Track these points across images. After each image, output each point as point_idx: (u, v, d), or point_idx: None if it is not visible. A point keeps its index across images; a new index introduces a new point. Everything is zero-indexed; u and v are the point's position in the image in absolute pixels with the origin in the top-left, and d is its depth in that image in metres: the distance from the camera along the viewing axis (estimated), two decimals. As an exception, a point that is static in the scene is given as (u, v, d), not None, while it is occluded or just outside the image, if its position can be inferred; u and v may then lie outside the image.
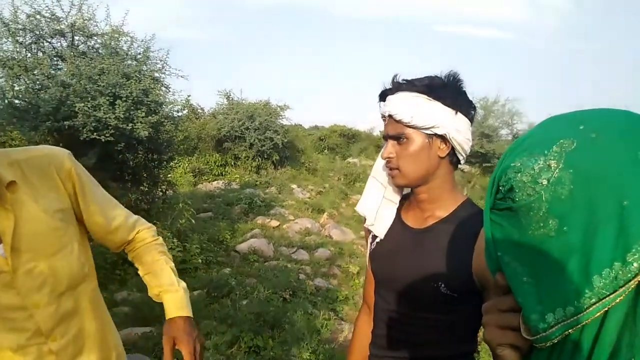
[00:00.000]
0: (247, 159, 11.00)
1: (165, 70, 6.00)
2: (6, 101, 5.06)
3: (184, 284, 1.22)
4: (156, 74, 5.74)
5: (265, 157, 11.24)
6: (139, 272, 1.25)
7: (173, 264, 1.25)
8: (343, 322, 4.13)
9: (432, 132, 1.08)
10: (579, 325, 0.46)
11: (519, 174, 0.49)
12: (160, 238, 1.28)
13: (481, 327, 1.13)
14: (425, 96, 1.07)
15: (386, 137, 1.15)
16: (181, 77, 6.26)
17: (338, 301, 4.58)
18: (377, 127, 19.31)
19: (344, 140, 16.59)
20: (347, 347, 3.70)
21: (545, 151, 0.48)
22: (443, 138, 1.09)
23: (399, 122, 1.09)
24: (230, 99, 12.00)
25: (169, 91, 6.03)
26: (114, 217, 1.19)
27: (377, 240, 1.24)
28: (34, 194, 1.03)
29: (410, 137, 1.09)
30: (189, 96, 6.66)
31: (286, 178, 10.75)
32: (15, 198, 0.99)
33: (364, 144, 17.34)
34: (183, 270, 4.58)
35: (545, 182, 0.47)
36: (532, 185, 0.48)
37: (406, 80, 1.11)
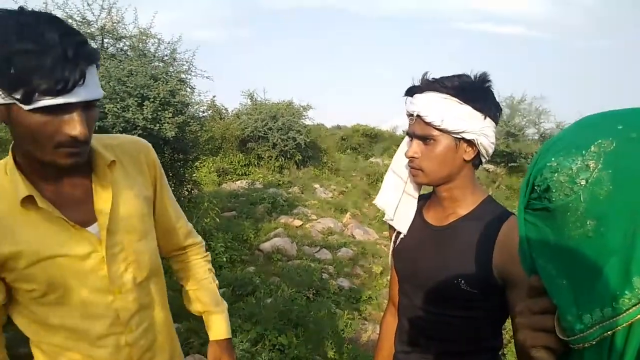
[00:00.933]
0: (270, 159, 11.07)
1: (191, 71, 6.10)
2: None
3: (225, 303, 1.27)
4: (182, 75, 5.84)
5: (288, 156, 11.30)
6: (185, 284, 1.26)
7: (217, 281, 1.29)
8: (366, 322, 4.13)
9: (460, 137, 1.08)
10: (618, 328, 0.45)
11: (556, 174, 0.49)
12: (209, 254, 1.31)
13: (505, 321, 1.13)
14: (457, 99, 1.06)
15: (411, 135, 1.14)
16: (206, 77, 6.36)
17: (361, 301, 4.58)
18: (400, 127, 19.16)
19: (367, 140, 16.52)
20: (370, 346, 3.71)
21: (583, 151, 0.48)
22: (470, 142, 1.09)
23: (428, 123, 1.08)
24: (254, 99, 12.11)
25: (195, 92, 6.13)
26: (178, 216, 1.21)
27: (401, 236, 1.25)
28: (128, 178, 1.05)
29: (438, 139, 1.09)
30: (214, 97, 6.77)
31: (309, 178, 10.78)
32: (113, 179, 1.00)
33: (387, 143, 17.23)
34: (208, 268, 4.65)
35: (583, 182, 0.47)
36: (569, 186, 0.48)
37: (437, 80, 1.09)
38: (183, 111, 5.57)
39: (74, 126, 0.82)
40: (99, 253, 0.96)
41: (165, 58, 6.02)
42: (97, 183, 0.98)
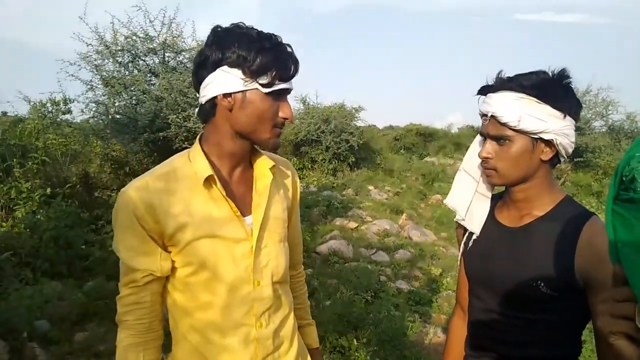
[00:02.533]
0: (324, 162, 11.16)
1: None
2: (109, 117, 5.60)
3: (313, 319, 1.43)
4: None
5: (342, 159, 11.34)
6: (294, 300, 1.34)
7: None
8: (427, 325, 4.07)
9: (537, 137, 1.05)
10: None
11: None
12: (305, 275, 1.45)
13: (584, 328, 1.09)
14: (535, 99, 1.03)
15: (485, 135, 1.11)
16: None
17: (421, 303, 4.52)
18: (455, 125, 18.65)
19: (421, 140, 16.26)
20: (432, 350, 3.65)
21: None
22: (548, 142, 1.06)
23: (503, 124, 1.05)
24: (307, 103, 12.27)
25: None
26: (299, 235, 1.36)
27: (474, 237, 1.23)
28: (279, 185, 1.20)
29: (513, 139, 1.06)
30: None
31: (362, 179, 10.76)
32: (272, 182, 1.14)
33: (442, 142, 16.86)
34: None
35: None
36: None
37: (512, 78, 1.06)
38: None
39: (287, 109, 1.07)
40: (249, 242, 1.07)
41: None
42: (258, 180, 1.13)
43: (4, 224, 4.66)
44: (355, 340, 3.41)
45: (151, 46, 6.15)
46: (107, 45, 5.91)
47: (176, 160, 1.08)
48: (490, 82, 1.10)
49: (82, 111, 6.01)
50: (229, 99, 1.01)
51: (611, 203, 0.54)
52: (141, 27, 6.18)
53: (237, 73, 0.99)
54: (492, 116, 1.07)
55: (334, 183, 10.12)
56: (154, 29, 6.25)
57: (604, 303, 0.56)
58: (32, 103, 6.15)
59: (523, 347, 1.12)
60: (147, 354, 1.06)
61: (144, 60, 6.32)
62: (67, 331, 3.38)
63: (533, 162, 1.08)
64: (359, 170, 11.55)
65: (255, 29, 1.03)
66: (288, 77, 1.03)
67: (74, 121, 6.56)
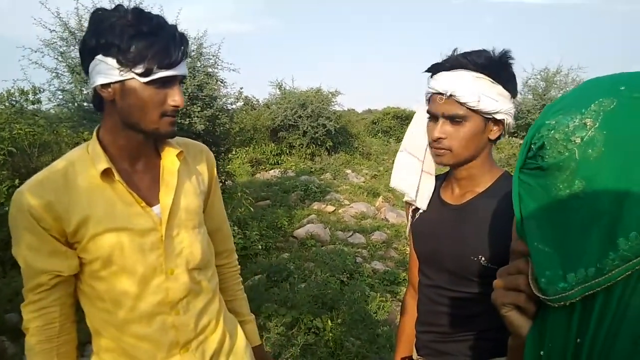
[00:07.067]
0: (302, 147, 11.14)
1: (218, 65, 6.19)
2: (76, 104, 5.46)
3: (252, 314, 1.38)
4: (209, 69, 5.94)
5: (319, 143, 11.33)
6: (223, 294, 1.31)
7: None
8: (400, 304, 4.14)
9: (491, 117, 1.06)
10: (600, 288, 0.46)
11: (552, 131, 0.48)
12: (239, 267, 1.39)
13: None
14: (489, 78, 1.04)
15: (436, 115, 1.10)
16: (233, 70, 6.44)
17: (396, 283, 4.59)
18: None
19: (398, 123, 16.30)
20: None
21: (583, 109, 0.47)
22: (497, 121, 1.08)
23: (462, 103, 1.04)
24: (283, 88, 12.16)
25: (224, 85, 6.22)
26: (223, 219, 1.31)
27: (419, 212, 1.25)
28: (191, 171, 1.15)
29: (469, 119, 1.06)
30: (241, 88, 6.86)
31: (340, 163, 10.78)
32: (180, 168, 1.10)
33: (419, 125, 16.91)
34: (244, 256, 4.77)
35: (578, 140, 0.47)
36: (564, 143, 0.47)
37: (465, 56, 1.06)
38: (211, 104, 5.69)
39: (176, 96, 0.98)
40: (158, 232, 1.04)
41: (192, 53, 6.13)
42: (165, 168, 1.08)
43: (-30, 217, 4.54)
44: (329, 321, 3.45)
45: (118, 31, 5.99)
46: (71, 32, 5.74)
47: (74, 154, 1.04)
48: (445, 64, 1.08)
49: (49, 99, 5.85)
50: (108, 89, 0.96)
51: (518, 172, 0.54)
52: (107, 12, 6.01)
53: (111, 62, 0.92)
54: (450, 95, 1.05)
55: (311, 168, 10.12)
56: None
57: (500, 276, 0.58)
58: (-2, 92, 5.95)
59: (469, 321, 1.15)
60: (61, 357, 1.03)
61: (111, 47, 6.15)
62: (38, 323, 3.33)
63: (482, 142, 1.10)
64: (337, 154, 11.56)
65: (138, 10, 0.95)
66: (170, 64, 0.95)
67: (41, 110, 6.38)
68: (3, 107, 5.92)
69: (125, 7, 0.96)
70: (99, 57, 0.93)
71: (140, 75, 0.92)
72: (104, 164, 0.98)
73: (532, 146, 0.51)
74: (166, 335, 1.06)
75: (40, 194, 0.96)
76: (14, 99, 6.18)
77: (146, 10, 0.97)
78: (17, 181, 4.96)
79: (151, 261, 1.03)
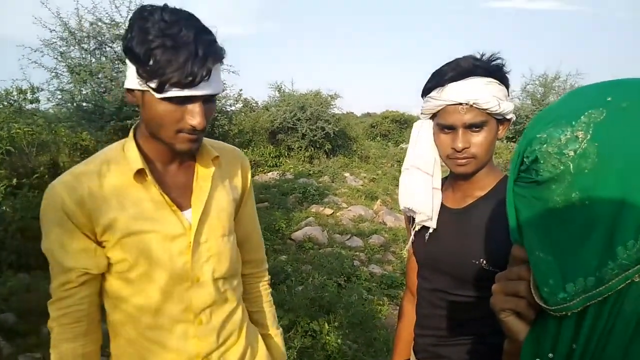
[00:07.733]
0: (300, 149, 11.14)
1: (217, 66, 6.18)
2: (75, 104, 5.46)
3: (280, 328, 1.33)
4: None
5: (318, 146, 11.33)
6: (247, 305, 1.27)
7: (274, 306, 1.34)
8: (398, 307, 4.14)
9: (502, 118, 1.09)
10: (601, 297, 0.46)
11: (545, 145, 0.49)
12: (269, 277, 1.34)
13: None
14: (496, 81, 1.06)
15: (456, 126, 1.07)
16: (232, 72, 6.46)
17: (393, 286, 4.59)
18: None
19: (397, 126, 16.34)
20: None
21: (573, 122, 0.47)
22: (503, 122, 1.11)
23: (484, 110, 1.05)
24: (282, 91, 12.18)
25: (223, 86, 6.22)
26: (255, 227, 1.27)
27: (430, 231, 1.22)
28: (225, 177, 1.12)
29: (488, 124, 1.07)
30: (240, 90, 6.86)
31: (339, 166, 10.78)
32: (215, 173, 1.07)
33: (417, 129, 16.92)
34: (241, 258, 4.76)
35: (572, 153, 0.47)
36: (558, 157, 0.47)
37: (473, 64, 1.06)
38: (211, 106, 5.67)
39: (195, 117, 0.91)
40: (187, 237, 1.01)
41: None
42: (199, 173, 1.06)
43: (-33, 216, 4.53)
44: (326, 324, 3.44)
45: (118, 32, 5.99)
46: (71, 32, 5.74)
47: (110, 152, 1.02)
48: (451, 72, 1.06)
49: (48, 99, 5.85)
50: (132, 94, 0.94)
51: (512, 184, 0.54)
52: (107, 13, 6.03)
53: (133, 70, 0.89)
54: (472, 104, 1.04)
55: (310, 170, 10.12)
56: (120, 14, 6.10)
57: (498, 281, 0.58)
58: (-4, 91, 5.95)
59: (467, 325, 1.15)
60: (86, 358, 1.02)
61: (111, 47, 6.16)
62: (34, 323, 3.31)
63: (495, 143, 1.12)
64: (335, 157, 11.57)
65: (175, 18, 0.88)
66: (187, 84, 0.87)
67: (40, 109, 6.39)
68: (1, 106, 5.92)
69: (170, 8, 0.90)
70: (128, 60, 0.92)
71: (154, 90, 0.88)
72: (138, 164, 0.96)
73: (525, 160, 0.51)
74: (187, 345, 1.03)
75: (74, 190, 0.94)
76: (12, 98, 6.18)
77: (188, 16, 0.90)
78: (14, 180, 4.96)
79: (178, 267, 1.00)
